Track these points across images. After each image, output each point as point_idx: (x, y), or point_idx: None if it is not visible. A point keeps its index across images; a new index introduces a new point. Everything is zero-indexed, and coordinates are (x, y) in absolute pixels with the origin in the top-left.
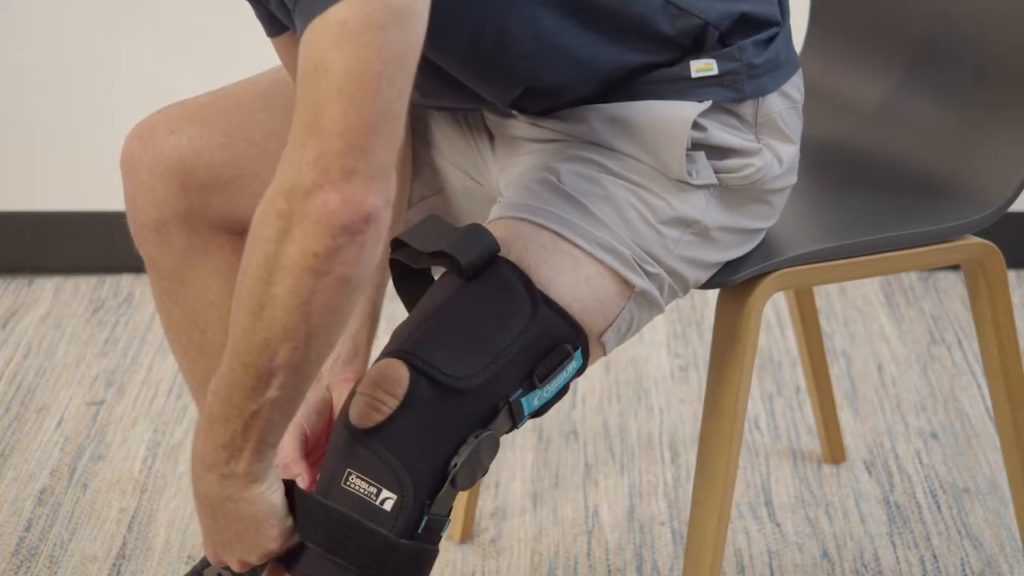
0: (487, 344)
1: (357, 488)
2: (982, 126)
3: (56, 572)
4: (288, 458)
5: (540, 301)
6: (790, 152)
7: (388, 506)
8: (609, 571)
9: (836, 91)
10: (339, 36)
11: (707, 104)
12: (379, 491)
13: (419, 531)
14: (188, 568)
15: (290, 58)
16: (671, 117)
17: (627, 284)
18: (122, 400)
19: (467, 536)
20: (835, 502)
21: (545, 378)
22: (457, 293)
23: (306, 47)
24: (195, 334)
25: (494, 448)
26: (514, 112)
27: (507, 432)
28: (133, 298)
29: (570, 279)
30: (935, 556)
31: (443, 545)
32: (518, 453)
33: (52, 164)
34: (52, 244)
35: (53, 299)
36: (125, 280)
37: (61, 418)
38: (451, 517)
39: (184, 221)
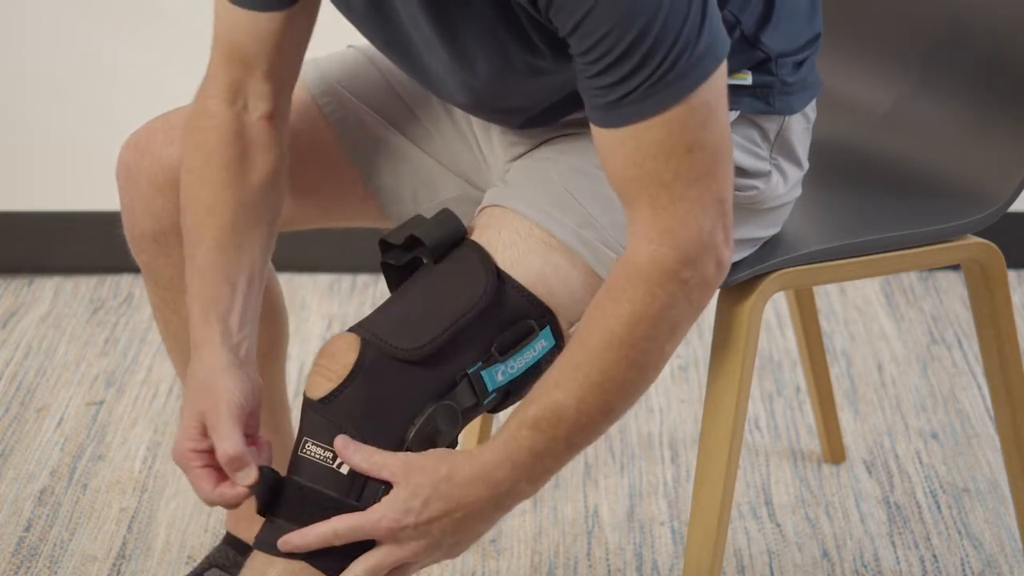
0: (437, 317)
1: (313, 454)
2: (982, 127)
3: (56, 572)
4: (239, 450)
5: (495, 277)
6: (796, 175)
7: (346, 469)
8: (609, 571)
9: (837, 93)
10: (707, 115)
11: (735, 115)
12: (335, 455)
13: (377, 497)
14: (188, 568)
15: (277, 34)
16: None
17: (600, 279)
18: (122, 400)
19: None
20: (835, 502)
21: (506, 352)
22: (419, 274)
23: (674, 126)
24: None
25: (452, 418)
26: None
27: (472, 407)
28: (133, 298)
29: (537, 262)
30: (935, 556)
31: None
32: None
33: (52, 164)
34: (52, 244)
35: (53, 299)
36: (125, 280)
37: (61, 418)
38: None
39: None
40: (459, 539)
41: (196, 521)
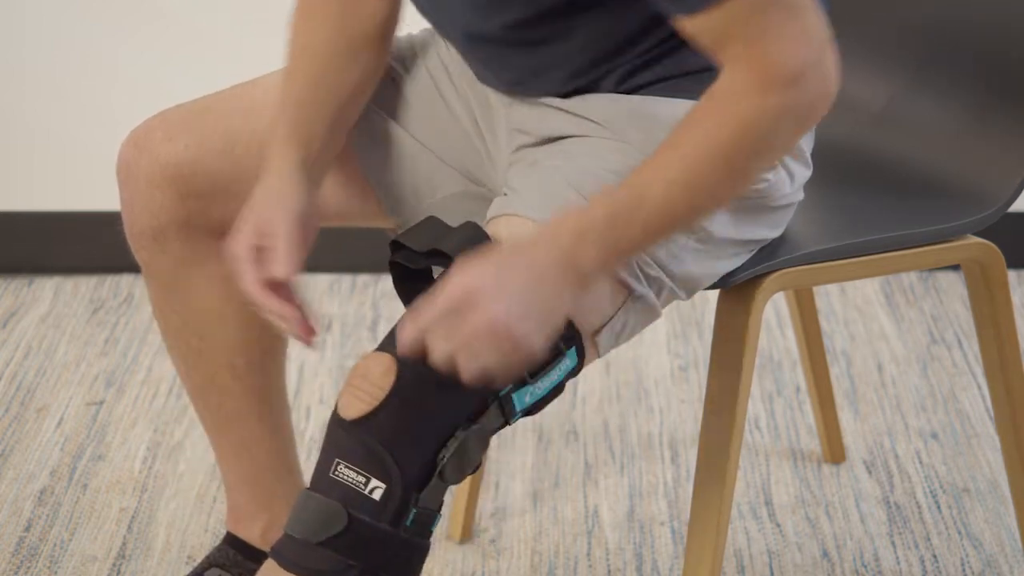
0: None
1: (346, 478)
2: (982, 127)
3: (56, 572)
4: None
5: None
6: (802, 173)
7: (377, 495)
8: (609, 571)
9: (837, 93)
10: None
11: None
12: (368, 480)
13: (408, 523)
14: (188, 568)
15: None
16: None
17: (624, 286)
18: (122, 400)
19: (467, 536)
20: (835, 502)
21: (536, 374)
22: None
23: None
24: (193, 340)
25: (483, 443)
26: (541, 100)
27: (499, 428)
28: (133, 298)
29: None
30: (935, 556)
31: (443, 545)
32: (518, 453)
33: (52, 164)
34: (52, 244)
35: (53, 299)
36: (125, 280)
37: (61, 418)
38: (443, 513)
39: (182, 229)
40: (532, 305)
41: (196, 521)
